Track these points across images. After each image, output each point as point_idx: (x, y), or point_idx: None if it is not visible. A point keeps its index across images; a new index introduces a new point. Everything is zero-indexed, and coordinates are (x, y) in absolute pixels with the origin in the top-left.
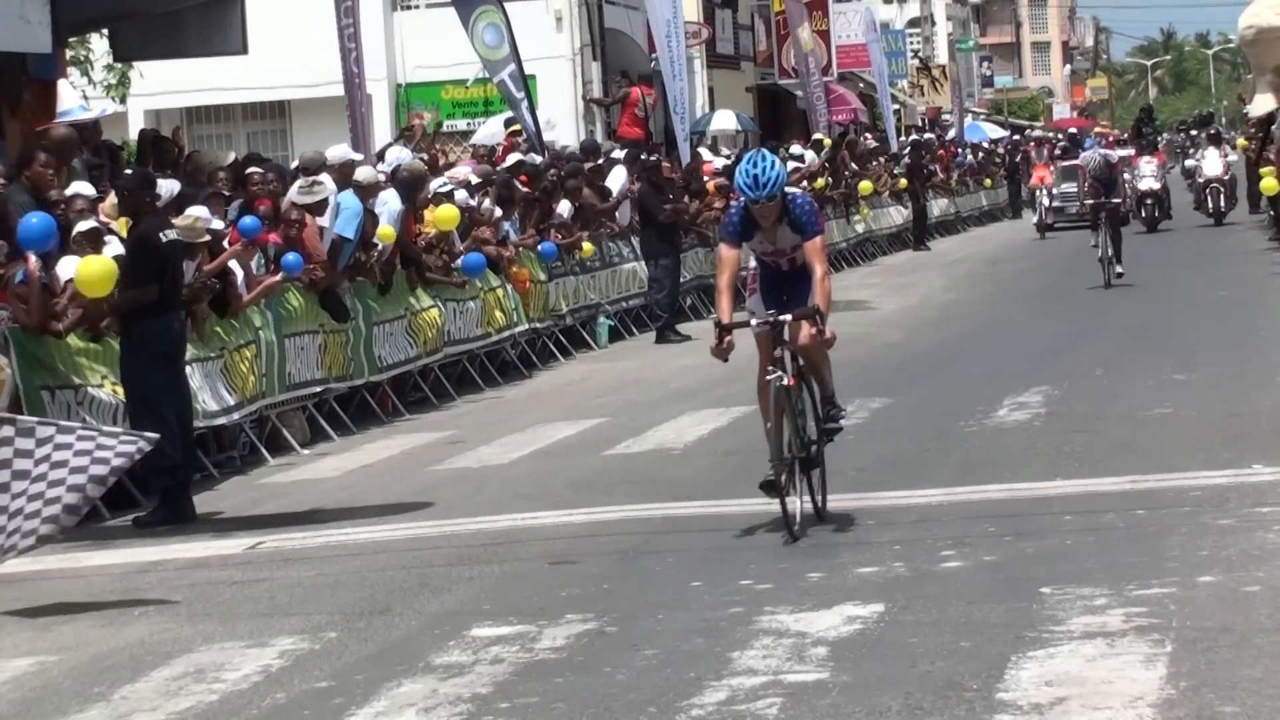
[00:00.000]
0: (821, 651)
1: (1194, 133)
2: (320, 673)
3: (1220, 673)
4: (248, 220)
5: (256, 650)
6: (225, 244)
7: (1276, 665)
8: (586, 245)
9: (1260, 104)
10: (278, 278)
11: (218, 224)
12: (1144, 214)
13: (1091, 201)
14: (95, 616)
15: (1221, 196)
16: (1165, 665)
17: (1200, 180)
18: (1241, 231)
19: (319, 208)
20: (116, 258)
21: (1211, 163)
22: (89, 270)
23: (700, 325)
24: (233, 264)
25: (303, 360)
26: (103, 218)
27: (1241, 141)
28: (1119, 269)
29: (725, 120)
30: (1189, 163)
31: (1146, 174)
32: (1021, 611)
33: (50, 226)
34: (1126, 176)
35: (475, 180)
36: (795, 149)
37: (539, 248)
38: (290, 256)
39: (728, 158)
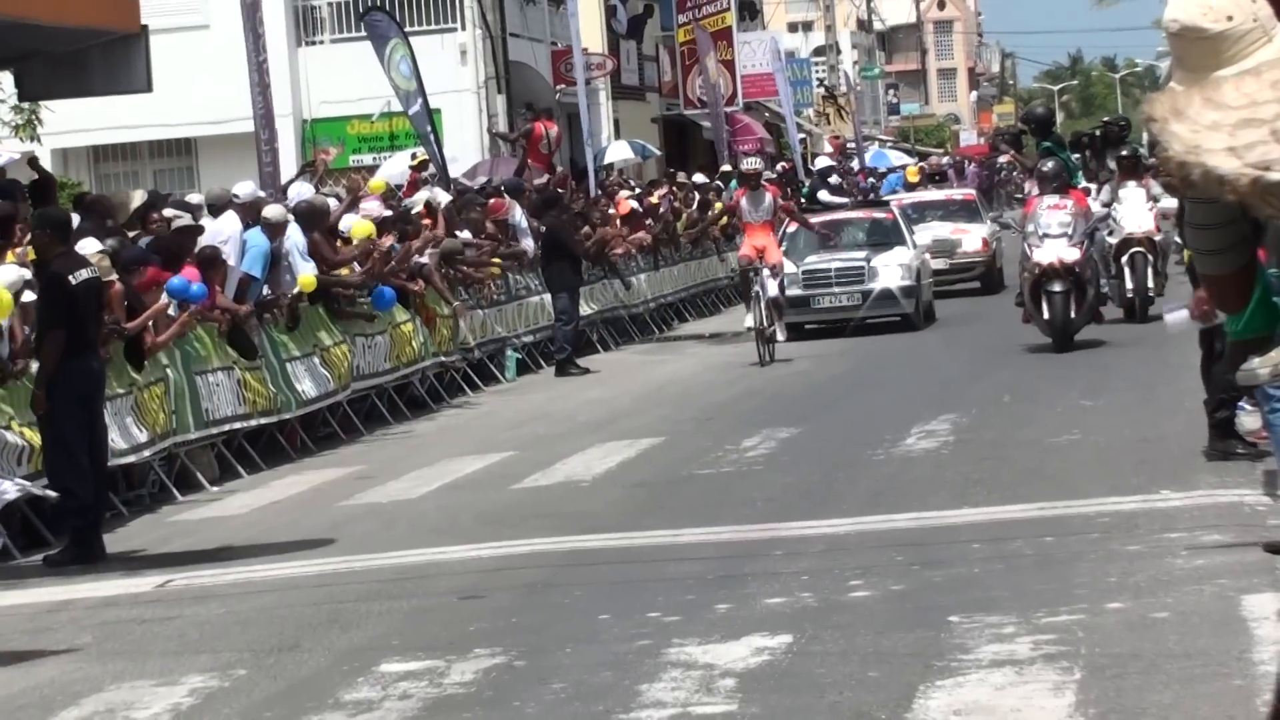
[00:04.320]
0: (730, 683)
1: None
2: (230, 710)
3: (1129, 699)
4: (175, 281)
5: (166, 689)
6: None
7: (1185, 691)
8: (494, 267)
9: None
10: (186, 315)
11: (104, 246)
12: (1048, 313)
13: None
14: (4, 657)
15: (1149, 270)
16: (1074, 693)
17: (1112, 240)
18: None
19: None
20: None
21: (1133, 210)
22: None
23: (606, 358)
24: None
25: (219, 397)
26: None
27: None
28: None
29: (621, 151)
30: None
31: (1054, 230)
32: (930, 640)
33: None
34: (999, 232)
35: (384, 214)
36: (699, 178)
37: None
38: (195, 287)
39: (633, 189)
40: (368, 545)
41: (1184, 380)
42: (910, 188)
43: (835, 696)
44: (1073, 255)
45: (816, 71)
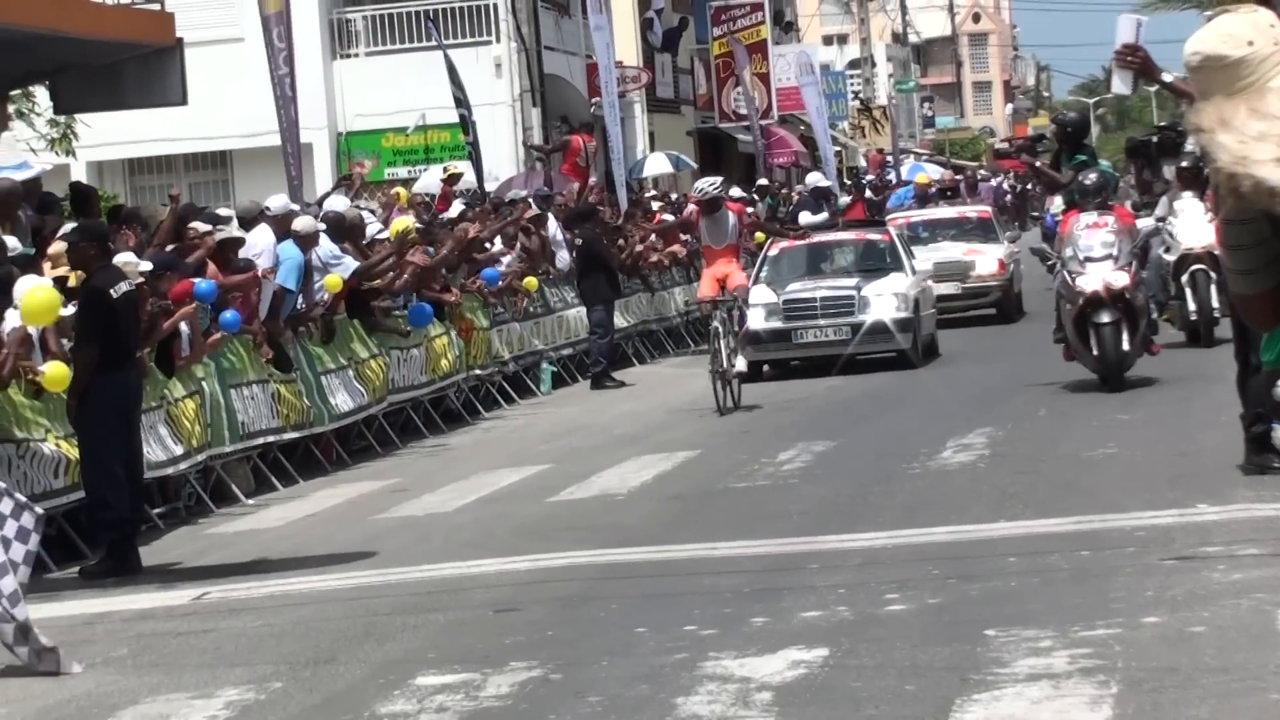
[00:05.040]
0: (766, 696)
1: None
2: None
3: (1166, 714)
4: (203, 284)
5: (203, 701)
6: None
7: (1222, 706)
8: (530, 280)
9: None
10: (217, 337)
11: (146, 265)
12: (1097, 348)
13: None
14: (41, 669)
15: (1213, 288)
16: (1111, 707)
17: (1169, 257)
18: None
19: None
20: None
21: (1191, 223)
22: (33, 301)
23: (641, 371)
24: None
25: (255, 410)
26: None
27: None
28: None
29: (659, 163)
30: (1145, 221)
31: (1096, 252)
32: (966, 654)
33: None
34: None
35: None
36: (735, 191)
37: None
38: (228, 314)
39: (670, 201)
40: (403, 558)
41: (1219, 394)
42: (923, 198)
43: (872, 710)
44: (1121, 280)
45: (852, 85)
